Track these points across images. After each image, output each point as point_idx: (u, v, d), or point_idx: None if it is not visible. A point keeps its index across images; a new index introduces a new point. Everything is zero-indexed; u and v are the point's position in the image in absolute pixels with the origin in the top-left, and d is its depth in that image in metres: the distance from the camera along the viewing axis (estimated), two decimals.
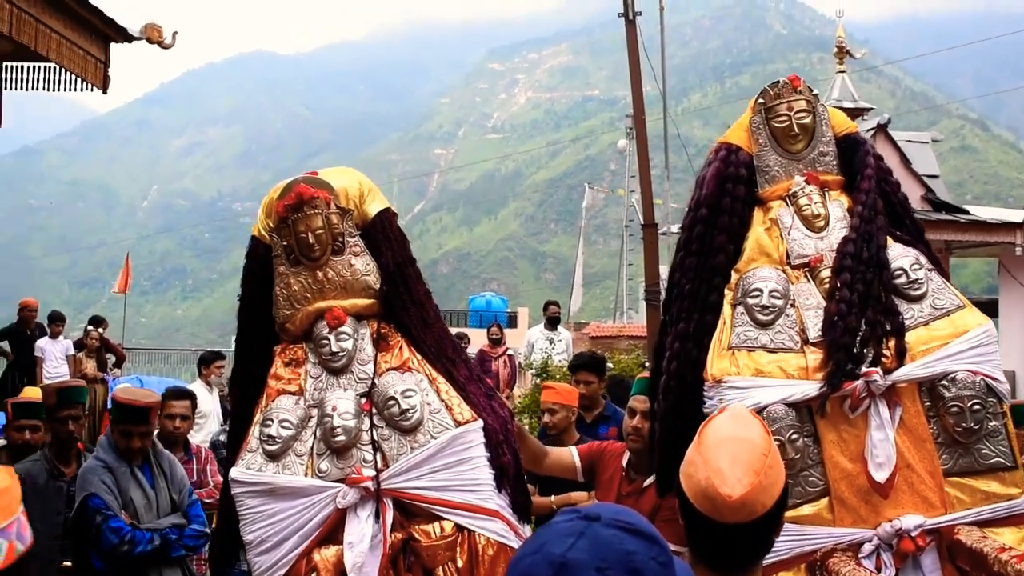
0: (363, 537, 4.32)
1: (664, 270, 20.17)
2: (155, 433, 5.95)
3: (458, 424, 4.49)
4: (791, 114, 4.84)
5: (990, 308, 7.01)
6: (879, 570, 4.17)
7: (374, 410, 4.52)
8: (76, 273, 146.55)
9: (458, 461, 4.43)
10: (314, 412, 4.57)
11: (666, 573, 1.67)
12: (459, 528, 4.37)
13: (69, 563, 5.63)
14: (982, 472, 4.34)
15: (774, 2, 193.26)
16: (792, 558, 4.23)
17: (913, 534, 4.20)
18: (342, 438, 4.42)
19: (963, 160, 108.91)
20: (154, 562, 5.47)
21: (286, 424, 4.51)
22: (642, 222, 16.70)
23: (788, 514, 4.19)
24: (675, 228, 19.80)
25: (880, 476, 4.27)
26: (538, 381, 13.32)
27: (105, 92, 9.78)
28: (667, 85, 18.78)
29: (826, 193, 4.79)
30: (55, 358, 14.50)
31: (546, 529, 1.71)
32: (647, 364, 13.22)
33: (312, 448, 4.52)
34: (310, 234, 4.61)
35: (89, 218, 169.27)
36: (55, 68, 9.39)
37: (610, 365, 9.62)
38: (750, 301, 4.56)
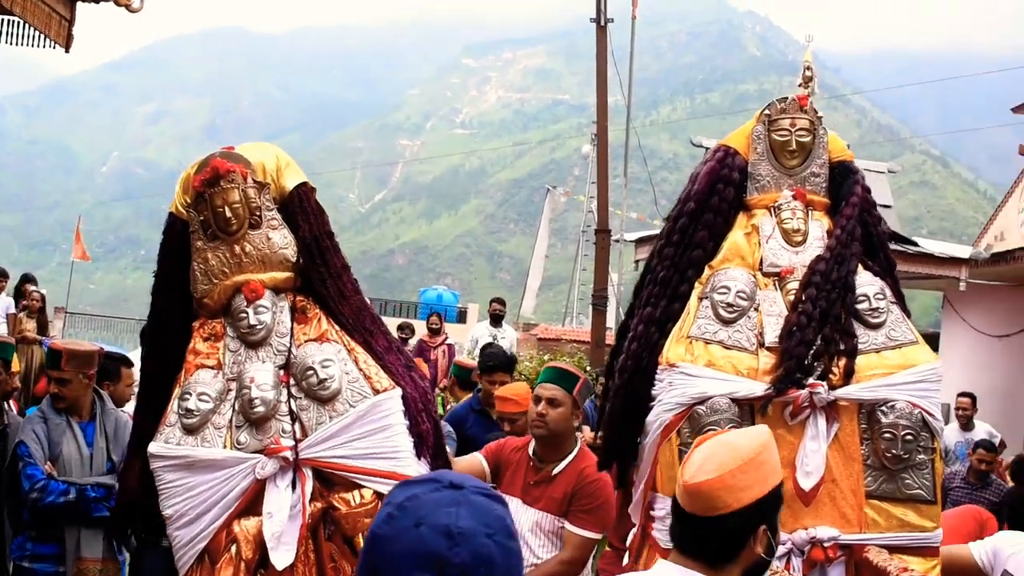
0: (282, 507, 4.30)
1: (614, 277, 20.33)
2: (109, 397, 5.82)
3: (376, 392, 4.49)
4: (792, 130, 4.95)
5: (930, 342, 7.08)
6: None
7: (292, 381, 4.52)
8: (28, 234, 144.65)
9: (377, 429, 4.43)
10: (233, 385, 4.55)
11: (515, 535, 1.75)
12: (379, 496, 4.34)
13: None
14: (902, 500, 4.44)
15: (751, 23, 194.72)
16: None
17: (826, 545, 4.30)
18: (260, 409, 4.40)
19: (922, 195, 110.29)
20: (73, 519, 5.34)
21: (204, 397, 4.49)
22: (596, 228, 16.80)
23: None
24: (628, 236, 19.92)
25: (806, 484, 4.37)
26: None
27: (68, 51, 9.63)
28: (637, 96, 18.88)
29: (809, 211, 4.91)
30: None
31: (411, 502, 1.70)
32: (588, 368, 13.28)
33: (231, 420, 4.50)
34: (227, 208, 4.60)
35: (46, 179, 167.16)
36: (17, 22, 9.24)
37: None
38: (716, 297, 4.66)
